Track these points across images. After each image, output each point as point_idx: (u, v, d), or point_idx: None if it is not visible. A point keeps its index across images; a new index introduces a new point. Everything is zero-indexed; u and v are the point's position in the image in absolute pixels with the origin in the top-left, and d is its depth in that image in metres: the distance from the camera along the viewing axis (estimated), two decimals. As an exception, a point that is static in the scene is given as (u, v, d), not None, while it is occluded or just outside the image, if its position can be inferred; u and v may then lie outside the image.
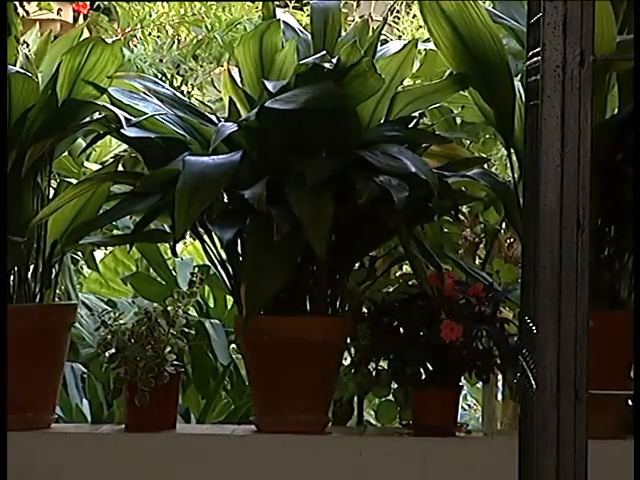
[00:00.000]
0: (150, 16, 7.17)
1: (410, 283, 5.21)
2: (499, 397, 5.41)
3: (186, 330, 5.18)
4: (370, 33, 5.32)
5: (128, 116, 5.15)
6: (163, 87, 5.48)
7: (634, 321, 1.91)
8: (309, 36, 5.24)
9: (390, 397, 5.35)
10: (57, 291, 5.27)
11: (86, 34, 5.85)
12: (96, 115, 5.22)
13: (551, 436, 3.49)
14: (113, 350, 5.10)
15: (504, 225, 5.37)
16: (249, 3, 7.27)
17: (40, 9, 6.32)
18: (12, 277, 5.14)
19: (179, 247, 5.65)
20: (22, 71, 5.10)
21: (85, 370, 5.46)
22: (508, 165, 5.15)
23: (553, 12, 3.47)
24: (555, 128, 3.47)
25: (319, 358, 5.13)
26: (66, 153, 5.37)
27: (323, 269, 5.10)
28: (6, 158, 2.45)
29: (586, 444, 3.36)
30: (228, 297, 5.41)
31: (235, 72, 5.36)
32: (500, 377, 5.26)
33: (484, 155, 5.29)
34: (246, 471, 5.05)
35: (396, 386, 5.24)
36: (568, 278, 3.45)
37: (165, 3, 7.34)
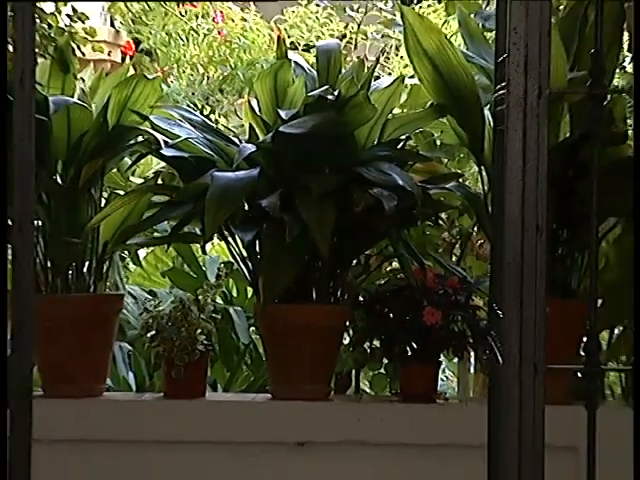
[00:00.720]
0: (184, 57, 7.17)
1: (398, 277, 5.21)
2: (472, 370, 5.40)
3: (213, 315, 5.18)
4: (365, 70, 5.32)
5: (166, 139, 5.16)
6: (194, 115, 5.49)
7: (634, 321, 1.65)
8: (315, 73, 5.24)
9: (382, 370, 5.34)
10: (107, 283, 5.27)
11: (132, 72, 5.86)
12: (140, 138, 5.22)
13: (514, 403, 3.48)
14: (154, 332, 5.10)
15: (476, 229, 5.36)
16: (266, 46, 7.27)
17: (94, 50, 6.30)
18: (70, 272, 5.15)
19: (208, 247, 5.63)
20: (79, 102, 5.12)
21: (131, 348, 5.46)
22: (479, 179, 5.15)
23: (516, 53, 3.46)
24: (518, 149, 3.46)
25: (323, 339, 5.14)
26: (115, 169, 5.37)
27: (326, 265, 5.10)
28: (6, 157, 2.34)
29: (543, 409, 3.36)
30: (248, 288, 5.41)
31: (254, 103, 5.37)
32: (472, 354, 5.24)
33: (459, 171, 5.29)
34: (264, 431, 5.05)
35: (387, 361, 5.23)
36: (528, 272, 3.44)
37: (196, 46, 7.35)
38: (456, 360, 5.38)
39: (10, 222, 3.53)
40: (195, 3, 7.65)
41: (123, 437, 5.01)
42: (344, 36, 7.50)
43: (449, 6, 6.20)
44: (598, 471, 3.37)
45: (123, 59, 6.57)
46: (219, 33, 7.59)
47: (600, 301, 3.68)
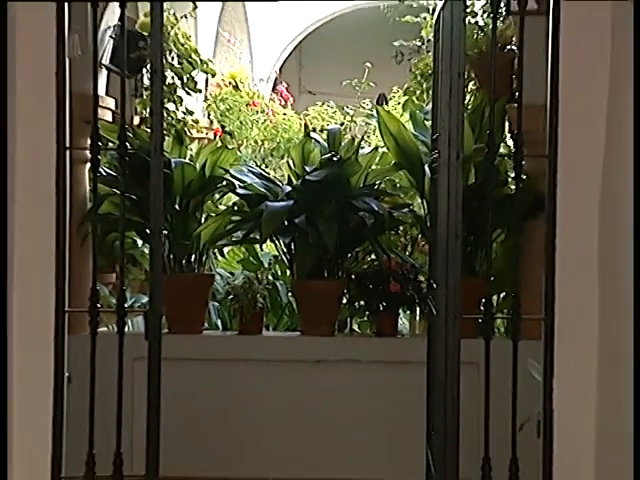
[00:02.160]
0: (250, 135, 7.21)
1: (375, 264, 5.20)
2: (417, 318, 5.40)
3: (267, 286, 5.20)
4: (355, 143, 5.34)
5: (239, 183, 5.20)
6: (255, 169, 5.52)
7: (634, 319, 1.52)
8: (326, 144, 5.24)
9: (365, 319, 5.37)
10: (205, 267, 5.28)
11: (219, 144, 5.88)
12: (224, 182, 5.24)
13: (442, 337, 3.48)
14: (232, 296, 5.12)
15: (420, 236, 5.35)
16: (297, 129, 7.29)
17: (197, 132, 6.33)
18: (183, 261, 5.13)
19: (264, 246, 5.65)
20: (189, 162, 5.13)
21: (218, 305, 5.46)
22: (421, 207, 5.15)
23: (443, 133, 3.47)
24: (444, 189, 3.47)
25: (330, 300, 5.13)
26: (209, 201, 5.38)
27: (332, 257, 5.08)
28: (6, 158, 1.91)
29: (459, 340, 3.37)
30: (287, 270, 5.41)
31: (290, 162, 5.40)
32: (418, 309, 5.25)
33: (410, 202, 5.29)
34: (296, 354, 5.07)
35: (368, 313, 5.25)
36: (451, 261, 3.45)
37: (256, 129, 7.39)
38: (408, 312, 5.39)
39: (148, 231, 3.54)
40: (255, 102, 7.69)
41: (214, 356, 5.02)
42: (342, 123, 7.51)
43: (405, 106, 6.23)
44: (492, 376, 3.37)
45: (214, 137, 6.60)
46: (270, 121, 7.61)
47: (492, 278, 3.67)
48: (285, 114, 7.91)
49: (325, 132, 5.68)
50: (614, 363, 3.11)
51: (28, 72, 3.22)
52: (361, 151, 5.34)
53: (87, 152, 3.47)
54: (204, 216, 5.31)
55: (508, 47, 4.85)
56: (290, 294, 5.44)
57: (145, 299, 4.69)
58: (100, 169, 3.84)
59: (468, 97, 5.11)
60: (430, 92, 5.31)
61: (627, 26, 2.97)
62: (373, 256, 5.27)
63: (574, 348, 3.27)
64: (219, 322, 5.48)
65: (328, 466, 4.90)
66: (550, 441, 3.28)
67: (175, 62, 5.87)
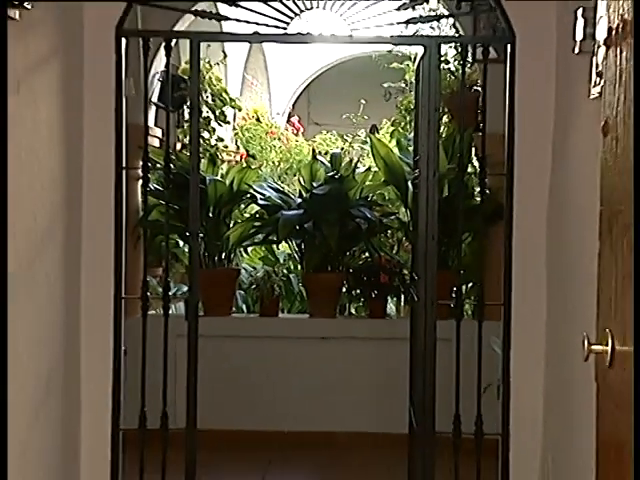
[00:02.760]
0: (269, 157, 7.18)
1: (368, 260, 5.17)
2: (402, 303, 5.37)
3: (282, 277, 5.19)
4: (352, 164, 5.31)
5: (260, 196, 5.16)
6: (273, 185, 5.48)
7: (634, 318, 1.48)
8: (329, 165, 5.21)
9: (360, 304, 5.33)
10: (233, 263, 5.27)
11: (244, 165, 5.87)
12: (248, 195, 5.23)
13: (422, 318, 3.43)
14: (254, 285, 5.09)
15: (404, 238, 5.33)
16: (306, 152, 7.26)
17: (227, 155, 6.31)
18: (215, 258, 5.08)
19: (279, 246, 5.63)
20: (220, 179, 5.09)
21: (243, 293, 5.43)
22: (406, 215, 5.14)
23: (423, 155, 3.47)
24: (424, 202, 3.45)
25: (332, 288, 5.08)
26: (236, 210, 5.36)
27: (334, 254, 5.05)
28: (6, 154, 1.71)
29: (435, 321, 3.34)
30: (298, 266, 5.40)
31: (301, 179, 5.38)
32: (403, 296, 5.22)
33: (396, 211, 5.26)
34: (305, 332, 5.02)
35: (363, 300, 5.22)
36: (429, 258, 3.44)
37: (274, 152, 7.36)
38: (395, 299, 5.37)
39: (187, 234, 3.54)
40: (273, 132, 7.67)
41: (240, 334, 4.99)
42: (342, 148, 7.49)
43: (392, 134, 6.21)
44: (462, 350, 3.38)
45: (240, 159, 6.59)
46: (285, 147, 7.60)
47: (461, 272, 3.67)
48: (297, 141, 7.87)
49: (328, 155, 5.67)
50: (558, 339, 3.12)
51: (93, 108, 3.24)
52: (357, 170, 5.31)
53: (139, 171, 3.50)
54: (232, 222, 5.27)
55: (474, 88, 4.84)
56: (300, 284, 5.39)
57: (185, 288, 4.68)
58: (149, 185, 3.85)
59: (442, 127, 5.09)
60: (412, 123, 5.29)
61: (569, 75, 2.98)
62: (367, 254, 5.24)
63: (526, 328, 3.28)
64: (244, 306, 5.45)
65: (329, 419, 4.86)
66: (507, 401, 3.29)
67: (209, 99, 5.87)
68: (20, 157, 2.57)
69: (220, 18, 3.75)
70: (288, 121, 9.09)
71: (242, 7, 3.33)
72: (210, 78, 5.94)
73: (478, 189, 3.45)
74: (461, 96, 3.85)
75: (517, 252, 3.28)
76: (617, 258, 1.71)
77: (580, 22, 2.51)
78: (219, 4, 3.92)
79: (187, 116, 5.55)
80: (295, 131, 8.22)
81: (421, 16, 3.80)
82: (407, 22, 3.61)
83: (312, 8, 3.34)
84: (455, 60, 5.11)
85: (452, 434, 3.35)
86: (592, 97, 2.42)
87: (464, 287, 4.70)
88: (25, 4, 2.28)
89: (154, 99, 5.14)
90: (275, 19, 3.31)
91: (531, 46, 3.20)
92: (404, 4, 3.37)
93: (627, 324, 1.58)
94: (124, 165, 3.29)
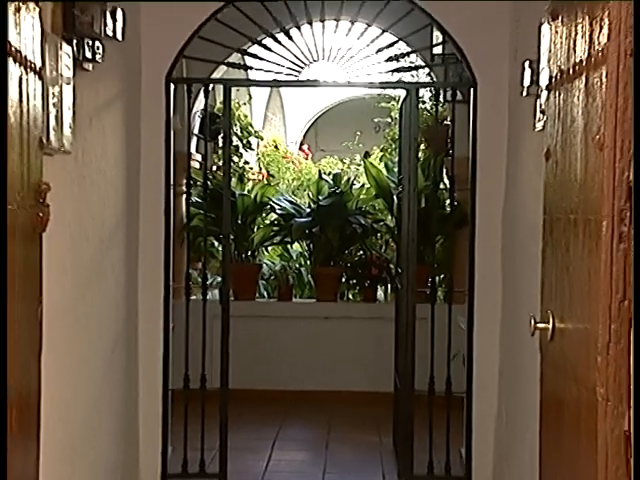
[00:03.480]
0: (285, 176, 7.17)
1: (362, 257, 5.16)
2: (389, 291, 5.35)
3: (295, 271, 5.19)
4: (349, 182, 5.30)
5: (278, 207, 5.16)
6: (289, 198, 5.45)
7: (634, 315, 1.23)
8: (332, 182, 5.21)
9: (356, 291, 5.30)
10: (256, 259, 5.26)
11: (265, 182, 5.86)
12: (268, 206, 5.23)
13: (404, 303, 3.41)
14: (273, 276, 5.11)
15: (390, 239, 5.30)
16: (314, 172, 7.23)
17: (252, 175, 6.28)
18: (243, 254, 5.06)
19: (293, 245, 5.61)
20: (246, 194, 5.09)
21: (265, 282, 5.39)
22: (392, 221, 5.12)
23: (405, 174, 3.45)
24: (406, 212, 3.42)
25: (334, 279, 5.06)
26: (259, 218, 5.34)
27: (336, 252, 5.04)
28: (6, 154, 1.51)
29: (414, 305, 3.31)
30: (308, 261, 5.39)
31: (310, 193, 5.37)
32: (390, 286, 5.20)
33: (384, 218, 5.25)
34: (312, 313, 4.99)
35: (358, 288, 5.21)
36: (410, 256, 3.42)
37: (290, 172, 7.32)
38: (384, 287, 5.34)
39: (221, 236, 3.52)
40: (288, 156, 7.64)
41: (262, 314, 4.96)
42: (342, 169, 7.48)
43: (381, 159, 6.21)
44: (435, 326, 3.36)
45: (262, 178, 6.57)
46: (297, 168, 7.57)
47: (435, 266, 3.63)
48: (306, 164, 7.88)
49: (331, 175, 5.67)
50: (510, 319, 3.10)
51: (148, 138, 3.24)
52: (354, 187, 5.30)
53: (184, 187, 3.49)
54: (256, 227, 5.26)
55: (445, 122, 4.83)
56: (309, 276, 5.41)
57: (219, 279, 4.65)
58: (191, 198, 3.85)
59: (420, 153, 5.07)
60: (397, 150, 5.30)
61: (518, 113, 2.97)
62: (361, 252, 5.22)
63: (485, 309, 3.26)
64: (265, 293, 5.45)
65: (332, 381, 4.82)
66: (470, 366, 3.28)
67: (238, 131, 5.88)
68: (92, 177, 2.57)
69: (246, 68, 3.77)
70: (300, 148, 9.08)
71: (264, 59, 3.34)
72: (239, 115, 5.95)
73: (448, 201, 3.43)
74: (435, 129, 3.85)
75: (478, 251, 3.27)
76: (557, 255, 1.71)
77: (527, 72, 2.51)
78: (246, 57, 3.92)
79: (221, 144, 5.57)
80: (305, 156, 8.20)
81: (404, 67, 3.78)
82: (393, 71, 3.62)
83: (318, 60, 3.34)
84: (430, 100, 5.09)
85: (428, 393, 3.34)
86: (536, 130, 2.42)
87: (437, 278, 4.69)
88: (97, 58, 2.29)
89: (195, 131, 5.15)
90: (290, 69, 3.32)
91: (489, 90, 3.20)
92: (390, 57, 3.37)
93: (565, 307, 1.57)
94: (172, 183, 3.29)
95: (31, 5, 1.53)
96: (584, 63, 1.46)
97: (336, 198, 5.05)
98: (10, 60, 1.42)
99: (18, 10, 1.45)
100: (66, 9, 2.14)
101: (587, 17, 1.43)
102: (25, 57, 1.53)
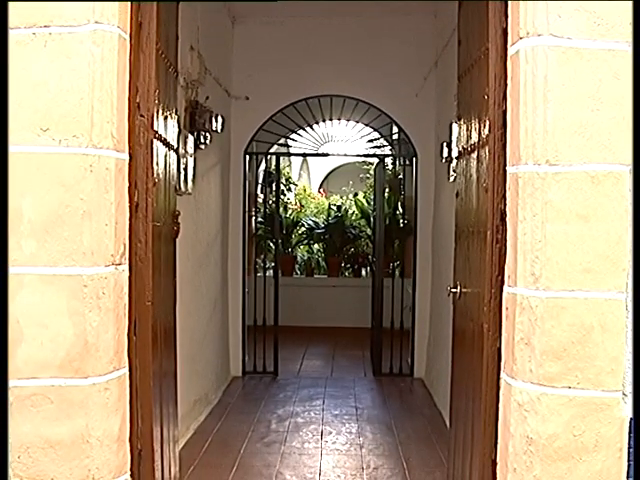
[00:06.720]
0: (310, 207, 6.99)
1: (354, 252, 4.99)
2: (368, 271, 5.11)
3: (316, 258, 4.94)
4: (347, 210, 5.15)
5: (306, 223, 4.98)
6: (312, 218, 5.28)
7: (633, 313, 1.01)
8: (336, 210, 5.06)
9: (350, 271, 5.04)
10: (294, 252, 5.05)
11: (299, 210, 5.52)
12: (300, 223, 5.09)
13: (377, 278, 3.24)
14: (303, 262, 4.86)
15: (370, 242, 5.01)
16: (323, 201, 6.73)
17: (291, 205, 5.82)
18: (285, 250, 4.82)
19: (315, 245, 5.25)
20: (288, 216, 4.91)
21: (298, 266, 4.99)
22: (371, 233, 4.88)
23: (377, 205, 3.32)
24: (377, 227, 3.27)
25: (337, 264, 4.88)
26: (295, 229, 5.11)
27: (339, 249, 4.89)
28: (7, 155, 0.89)
29: (382, 279, 3.20)
30: (323, 254, 5.15)
31: (323, 216, 5.15)
32: (369, 268, 5.02)
33: (365, 230, 5.04)
34: (325, 283, 4.74)
35: (350, 269, 4.97)
36: (379, 251, 3.33)
37: (311, 200, 6.61)
38: (367, 269, 5.15)
39: (274, 240, 3.43)
40: (312, 196, 7.33)
41: (296, 284, 4.66)
42: (342, 202, 7.23)
43: (364, 196, 6.02)
44: (394, 291, 3.26)
45: (297, 208, 6.41)
46: (317, 202, 7.38)
47: (394, 257, 3.53)
48: (322, 200, 7.66)
49: (336, 206, 5.61)
50: (436, 286, 3.02)
51: (234, 186, 3.22)
52: (348, 212, 5.15)
53: (253, 213, 3.50)
54: (293, 235, 5.11)
55: (399, 176, 4.75)
56: (324, 262, 5.22)
57: (273, 264, 4.50)
58: (257, 219, 3.86)
59: (386, 194, 4.94)
60: (373, 192, 5.17)
61: (440, 171, 2.96)
62: (353, 249, 5.05)
63: (423, 281, 3.21)
64: (298, 272, 5.26)
65: (335, 320, 4.60)
66: (414, 312, 3.23)
67: (283, 180, 5.84)
68: (202, 208, 2.62)
69: (288, 146, 3.77)
70: (318, 191, 8.99)
71: (297, 141, 3.38)
72: (284, 172, 5.89)
73: (401, 221, 3.43)
74: (394, 181, 3.83)
75: (419, 249, 3.25)
76: (462, 250, 1.70)
77: (445, 148, 2.52)
78: (288, 140, 3.95)
79: (274, 189, 5.46)
80: (322, 195, 8.04)
81: (377, 145, 3.82)
82: (371, 147, 3.64)
83: (329, 141, 3.39)
84: (392, 164, 5.04)
85: (390, 328, 3.28)
86: (450, 181, 2.42)
87: (395, 264, 4.56)
88: (207, 142, 2.38)
89: (259, 181, 5.14)
90: (313, 146, 3.35)
91: (424, 158, 3.18)
92: (369, 140, 3.41)
93: (466, 279, 1.58)
94: (246, 210, 3.29)
95: (173, 114, 1.57)
96: (476, 144, 1.49)
97: (339, 219, 4.98)
98: (161, 144, 1.45)
99: (166, 118, 1.49)
100: (191, 116, 2.25)
101: (477, 119, 1.47)
102: (169, 142, 1.59)
